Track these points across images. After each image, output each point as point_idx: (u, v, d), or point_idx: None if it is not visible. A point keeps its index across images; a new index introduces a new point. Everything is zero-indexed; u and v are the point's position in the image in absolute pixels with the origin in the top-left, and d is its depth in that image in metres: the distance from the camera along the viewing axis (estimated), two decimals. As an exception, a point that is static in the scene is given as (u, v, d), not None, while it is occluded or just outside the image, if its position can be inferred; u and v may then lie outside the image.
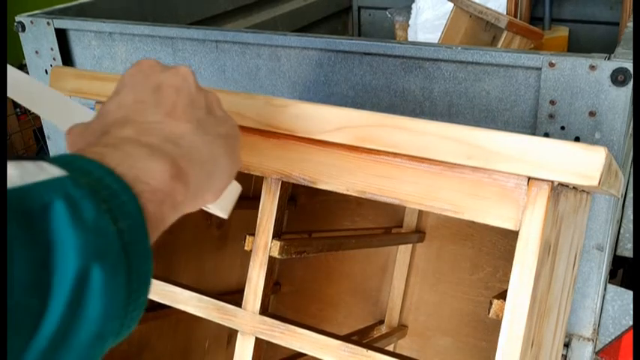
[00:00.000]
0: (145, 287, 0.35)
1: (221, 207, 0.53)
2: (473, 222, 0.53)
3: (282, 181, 0.62)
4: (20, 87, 0.57)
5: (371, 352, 0.60)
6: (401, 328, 1.08)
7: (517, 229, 0.51)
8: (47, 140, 1.19)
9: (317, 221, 1.08)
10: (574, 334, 0.84)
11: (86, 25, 1.07)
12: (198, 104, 0.45)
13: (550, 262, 0.56)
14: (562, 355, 0.81)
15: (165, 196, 0.37)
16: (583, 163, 0.47)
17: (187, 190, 0.39)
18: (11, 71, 0.58)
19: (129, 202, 0.34)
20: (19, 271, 0.28)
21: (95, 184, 0.33)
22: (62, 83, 0.69)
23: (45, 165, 0.32)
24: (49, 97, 0.57)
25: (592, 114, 0.74)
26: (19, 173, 0.30)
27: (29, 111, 2.29)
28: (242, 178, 0.69)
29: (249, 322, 0.64)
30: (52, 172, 0.32)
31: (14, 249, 0.28)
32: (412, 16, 1.71)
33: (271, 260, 0.63)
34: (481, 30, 1.45)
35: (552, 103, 0.76)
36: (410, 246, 1.07)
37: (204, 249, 1.00)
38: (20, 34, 1.10)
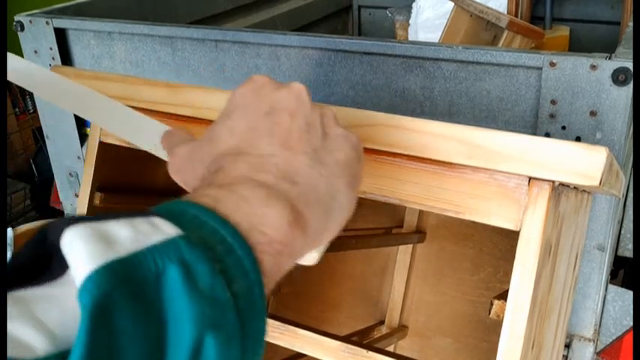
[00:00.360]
0: (259, 351, 0.32)
1: (317, 249, 0.51)
2: (473, 222, 0.53)
3: (282, 181, 0.61)
4: (87, 104, 0.56)
5: (371, 353, 0.59)
6: (401, 329, 1.07)
7: (518, 230, 0.51)
8: (46, 140, 1.19)
9: (317, 221, 1.08)
10: (575, 334, 0.83)
11: (85, 25, 1.06)
12: (314, 128, 0.41)
13: (551, 262, 0.56)
14: (563, 355, 0.80)
15: (283, 246, 0.34)
16: (584, 163, 0.47)
17: (306, 235, 0.36)
18: (78, 88, 0.56)
19: (245, 258, 0.31)
20: (134, 349, 0.26)
21: (210, 239, 0.31)
22: (61, 83, 0.69)
23: (158, 222, 0.30)
24: (122, 114, 0.55)
25: (593, 114, 0.74)
26: (132, 235, 0.29)
27: (28, 110, 2.29)
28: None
29: (248, 323, 0.63)
30: (166, 230, 0.30)
31: (128, 325, 0.26)
32: (412, 15, 1.70)
33: (271, 260, 0.63)
34: (482, 29, 1.45)
35: (553, 102, 0.76)
36: (410, 246, 1.07)
37: (204, 249, 0.99)
38: (19, 33, 1.10)
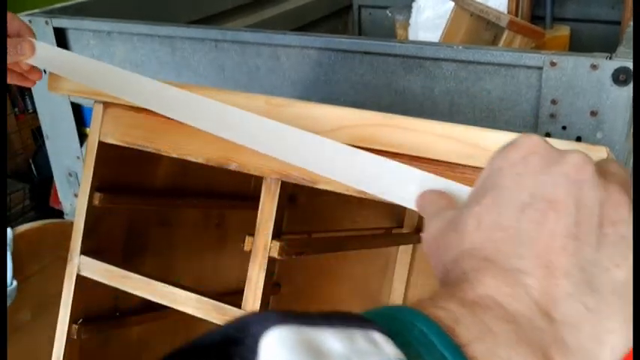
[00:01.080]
0: None
1: None
2: (474, 222, 0.53)
3: (282, 181, 0.61)
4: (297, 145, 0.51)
5: (371, 354, 0.59)
6: (401, 329, 1.07)
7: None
8: (45, 140, 1.19)
9: (317, 221, 1.07)
10: (575, 334, 0.83)
11: (85, 24, 1.06)
12: (588, 231, 0.28)
13: (552, 262, 0.56)
14: (563, 356, 0.80)
15: None
16: (585, 163, 0.46)
17: None
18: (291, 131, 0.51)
19: None
20: None
21: None
22: (61, 83, 0.69)
23: (379, 339, 0.24)
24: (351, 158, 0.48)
25: (593, 114, 0.74)
26: (346, 352, 0.23)
27: (27, 110, 2.29)
28: (242, 178, 0.68)
29: (248, 323, 0.63)
30: (386, 351, 0.23)
31: None
32: (413, 14, 1.70)
33: (271, 261, 0.63)
34: (482, 29, 1.45)
35: (554, 102, 0.76)
36: (410, 246, 1.07)
37: (204, 249, 0.99)
38: (19, 33, 1.10)
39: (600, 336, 0.27)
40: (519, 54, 0.77)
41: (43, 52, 0.64)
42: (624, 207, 0.29)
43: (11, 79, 0.69)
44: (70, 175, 1.18)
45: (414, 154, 0.52)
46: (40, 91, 1.15)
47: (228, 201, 0.98)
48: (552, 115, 0.76)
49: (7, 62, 0.66)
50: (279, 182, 0.61)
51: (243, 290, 0.64)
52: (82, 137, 1.14)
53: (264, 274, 0.63)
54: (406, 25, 1.74)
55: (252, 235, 0.64)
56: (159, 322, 0.88)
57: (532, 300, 0.27)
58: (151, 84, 0.59)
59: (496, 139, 0.50)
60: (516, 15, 1.62)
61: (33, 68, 0.69)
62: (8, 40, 0.65)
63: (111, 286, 0.71)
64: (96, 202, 0.72)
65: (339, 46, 0.88)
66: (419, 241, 1.06)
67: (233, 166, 0.63)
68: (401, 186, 0.44)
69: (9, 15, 0.67)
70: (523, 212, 0.29)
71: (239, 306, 0.64)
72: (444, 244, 0.33)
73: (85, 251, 0.73)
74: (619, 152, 0.74)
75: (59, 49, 0.64)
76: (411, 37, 1.72)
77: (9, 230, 0.97)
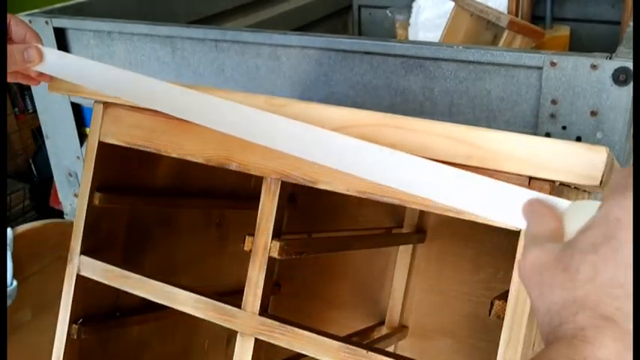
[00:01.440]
0: None
1: None
2: (474, 222, 0.53)
3: (282, 181, 0.61)
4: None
5: (371, 354, 0.59)
6: (401, 329, 1.07)
7: (518, 230, 0.51)
8: (45, 140, 1.19)
9: (317, 221, 1.07)
10: (575, 334, 0.83)
11: (85, 25, 1.06)
12: None
13: (551, 262, 0.56)
14: (563, 356, 0.80)
15: None
16: (584, 163, 0.47)
17: None
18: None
19: None
20: None
21: None
22: (61, 83, 0.69)
23: None
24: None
25: (593, 114, 0.74)
26: None
27: (27, 110, 2.28)
28: (242, 178, 0.68)
29: (248, 323, 0.63)
30: None
31: None
32: (413, 14, 1.70)
33: (271, 261, 0.63)
34: (482, 29, 1.45)
35: (554, 102, 0.76)
36: (410, 246, 1.07)
37: (204, 249, 0.99)
38: (19, 33, 1.10)
39: None
40: (519, 54, 0.77)
41: (52, 59, 0.63)
42: None
43: (16, 79, 0.68)
44: (70, 175, 1.18)
45: (414, 154, 0.52)
46: (40, 91, 1.15)
47: (228, 201, 0.98)
48: (552, 115, 0.76)
49: (15, 69, 0.64)
50: (279, 182, 0.61)
51: (243, 290, 0.64)
52: (82, 137, 1.14)
53: (264, 274, 0.63)
54: (406, 25, 1.74)
55: (252, 235, 0.64)
56: (159, 322, 0.88)
57: None
58: (162, 86, 0.59)
59: (496, 139, 0.50)
60: (516, 15, 1.62)
61: (41, 73, 0.67)
62: (15, 46, 0.63)
63: (111, 286, 0.72)
64: (96, 202, 0.73)
65: (339, 46, 0.88)
66: (419, 241, 1.06)
67: (233, 166, 0.63)
68: (506, 203, 0.43)
69: (14, 20, 0.64)
70: None
71: (239, 306, 0.64)
72: (550, 281, 0.32)
73: (85, 251, 0.73)
74: (619, 152, 0.74)
75: (68, 54, 0.62)
76: (411, 37, 1.72)
77: (9, 230, 0.97)
